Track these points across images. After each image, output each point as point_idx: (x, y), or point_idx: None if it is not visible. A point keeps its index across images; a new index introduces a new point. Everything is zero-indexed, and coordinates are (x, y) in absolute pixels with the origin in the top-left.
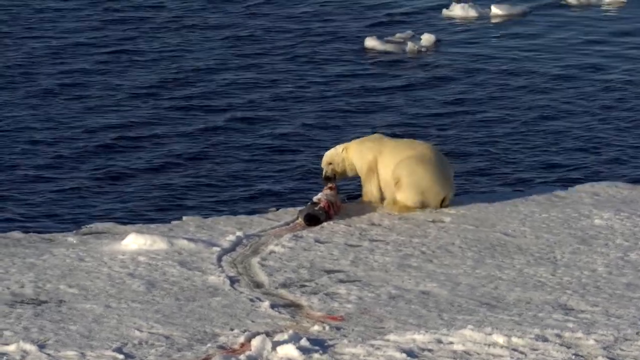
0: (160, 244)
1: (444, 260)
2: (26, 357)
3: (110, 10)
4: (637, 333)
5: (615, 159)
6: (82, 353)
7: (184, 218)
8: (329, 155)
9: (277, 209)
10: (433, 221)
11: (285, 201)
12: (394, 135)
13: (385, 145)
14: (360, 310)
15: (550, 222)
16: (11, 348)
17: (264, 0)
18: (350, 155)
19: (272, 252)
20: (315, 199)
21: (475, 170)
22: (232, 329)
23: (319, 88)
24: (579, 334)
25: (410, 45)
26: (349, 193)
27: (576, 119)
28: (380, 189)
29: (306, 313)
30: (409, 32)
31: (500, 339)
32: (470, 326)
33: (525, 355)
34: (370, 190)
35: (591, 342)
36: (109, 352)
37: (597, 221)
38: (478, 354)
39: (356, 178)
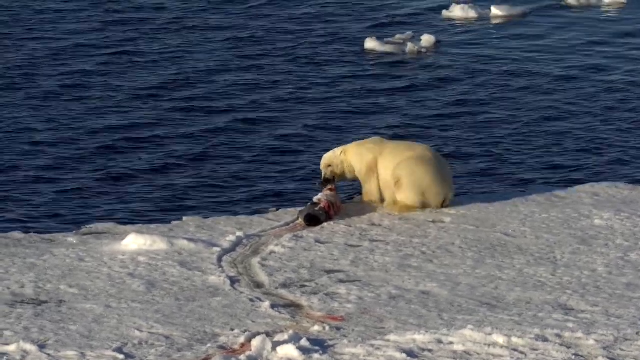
0: (160, 244)
1: (444, 261)
2: (26, 357)
3: (111, 11)
4: (637, 333)
5: (617, 160)
6: (82, 353)
7: (184, 218)
8: (327, 157)
9: (278, 210)
10: (433, 221)
11: (286, 202)
12: (394, 137)
13: (384, 146)
14: (361, 311)
15: (551, 223)
16: (11, 348)
17: (264, 1)
18: (349, 157)
19: (272, 252)
20: (315, 199)
21: (476, 171)
22: (232, 329)
23: (320, 89)
24: (579, 334)
25: (410, 47)
26: (349, 194)
27: (577, 120)
28: (380, 190)
29: (306, 313)
30: (409, 33)
31: (500, 339)
32: (470, 326)
33: (525, 355)
34: (370, 190)
35: (591, 342)
36: (109, 352)
37: (597, 221)
38: (478, 354)
39: (354, 181)
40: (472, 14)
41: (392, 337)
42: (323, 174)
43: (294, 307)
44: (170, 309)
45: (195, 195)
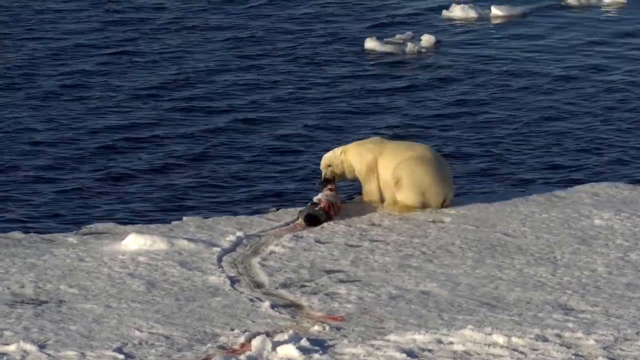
0: (160, 244)
1: (444, 261)
2: (26, 357)
3: (111, 11)
4: (637, 333)
5: (617, 159)
6: (82, 353)
7: (184, 218)
8: (327, 157)
9: (278, 210)
10: (433, 221)
11: (286, 202)
12: (394, 137)
13: (384, 146)
14: (361, 311)
15: (551, 223)
16: (11, 348)
17: (264, 1)
18: (349, 157)
19: (272, 252)
20: (315, 199)
21: (476, 171)
22: (232, 329)
23: (320, 89)
24: (579, 334)
25: (410, 47)
26: (349, 194)
27: (577, 120)
28: (380, 190)
29: (306, 313)
30: (409, 33)
31: (500, 339)
32: (470, 326)
33: (525, 355)
34: (370, 190)
35: (591, 342)
36: (109, 352)
37: (597, 221)
38: (478, 354)
39: (354, 181)
40: (472, 14)
41: (392, 337)
42: (323, 174)
43: (294, 307)
44: (170, 309)
45: (195, 195)
